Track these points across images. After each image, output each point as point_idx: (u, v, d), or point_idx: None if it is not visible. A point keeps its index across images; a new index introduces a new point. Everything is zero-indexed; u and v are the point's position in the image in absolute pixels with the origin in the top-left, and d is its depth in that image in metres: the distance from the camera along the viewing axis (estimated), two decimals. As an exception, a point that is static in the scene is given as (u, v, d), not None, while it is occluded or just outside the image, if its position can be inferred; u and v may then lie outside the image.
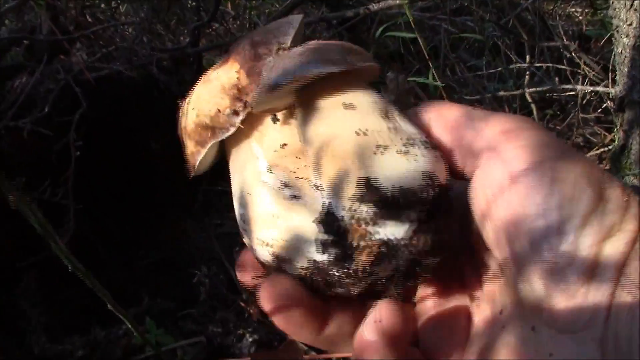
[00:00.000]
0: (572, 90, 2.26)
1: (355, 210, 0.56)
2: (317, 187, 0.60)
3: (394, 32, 1.88)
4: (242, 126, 0.63)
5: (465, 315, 0.62)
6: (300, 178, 0.61)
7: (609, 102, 2.26)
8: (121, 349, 1.39)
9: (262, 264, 0.63)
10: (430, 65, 1.64)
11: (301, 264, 0.59)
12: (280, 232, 0.59)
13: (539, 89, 2.28)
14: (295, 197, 0.60)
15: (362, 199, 0.56)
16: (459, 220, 0.60)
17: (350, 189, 0.56)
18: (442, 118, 0.61)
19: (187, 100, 0.69)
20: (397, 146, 0.58)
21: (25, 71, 1.72)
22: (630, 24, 1.60)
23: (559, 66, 2.43)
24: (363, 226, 0.56)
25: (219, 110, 0.64)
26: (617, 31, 1.67)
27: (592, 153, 2.35)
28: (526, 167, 0.52)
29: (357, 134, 0.58)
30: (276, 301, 0.58)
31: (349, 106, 0.61)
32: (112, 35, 2.21)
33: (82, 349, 1.33)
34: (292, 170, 0.62)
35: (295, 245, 0.59)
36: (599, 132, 2.40)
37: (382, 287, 0.59)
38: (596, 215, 0.50)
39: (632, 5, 1.59)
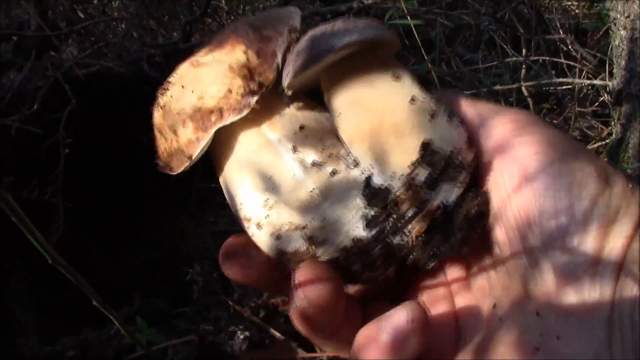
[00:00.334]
0: (568, 83, 2.24)
1: (412, 177, 0.57)
2: (355, 162, 0.59)
3: (393, 21, 1.85)
4: (257, 107, 0.61)
5: (449, 314, 0.61)
6: (330, 156, 0.60)
7: (606, 95, 2.24)
8: (113, 349, 1.37)
9: (277, 255, 0.60)
10: (426, 58, 1.63)
11: (341, 244, 0.57)
12: (319, 212, 0.57)
13: (536, 82, 2.26)
14: (333, 173, 0.59)
15: (422, 163, 0.57)
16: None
17: (407, 156, 0.57)
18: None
19: (172, 85, 0.67)
20: (443, 114, 0.60)
21: (14, 68, 1.70)
22: (628, 16, 1.58)
23: (556, 59, 2.41)
24: (419, 192, 0.57)
25: (229, 91, 0.61)
26: (615, 24, 1.65)
27: (589, 147, 2.33)
28: (538, 164, 0.55)
29: (411, 102, 0.60)
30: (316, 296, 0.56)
31: (397, 77, 0.62)
32: (103, 31, 2.18)
33: (72, 350, 1.31)
34: (320, 149, 0.60)
35: (336, 224, 0.57)
36: (596, 126, 2.38)
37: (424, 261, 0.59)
38: (603, 199, 0.53)
39: (629, -3, 1.57)
